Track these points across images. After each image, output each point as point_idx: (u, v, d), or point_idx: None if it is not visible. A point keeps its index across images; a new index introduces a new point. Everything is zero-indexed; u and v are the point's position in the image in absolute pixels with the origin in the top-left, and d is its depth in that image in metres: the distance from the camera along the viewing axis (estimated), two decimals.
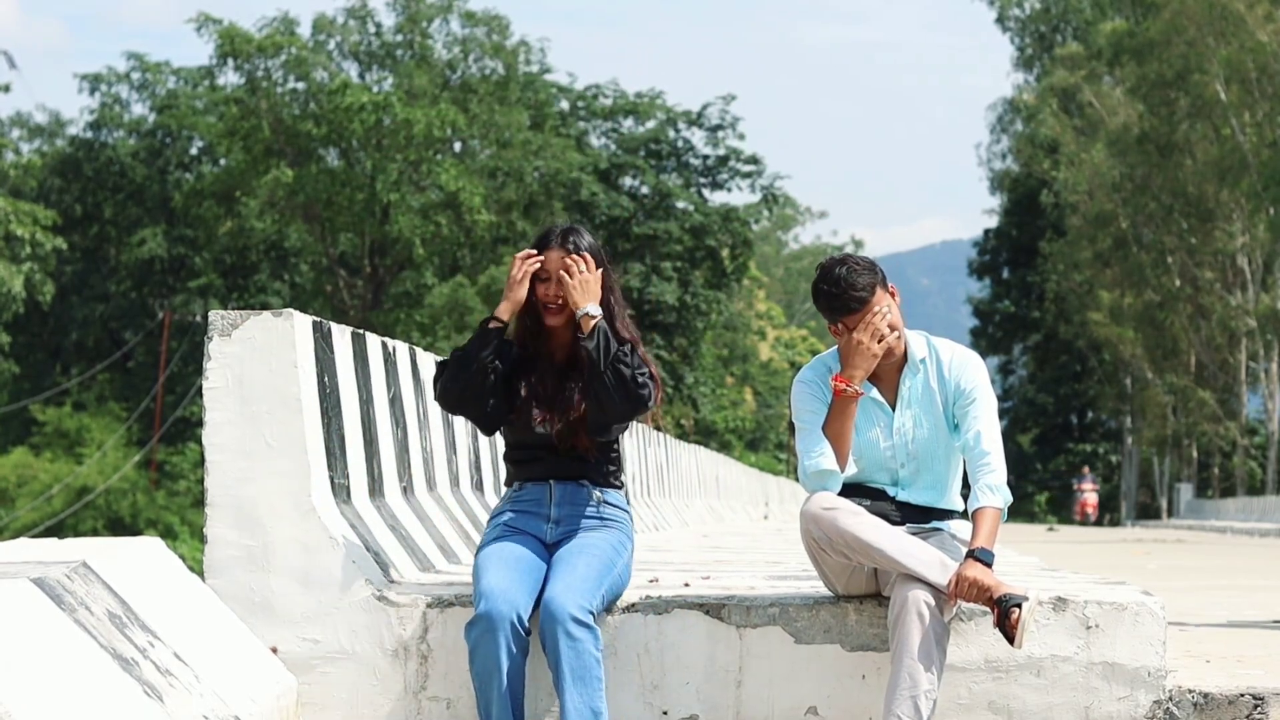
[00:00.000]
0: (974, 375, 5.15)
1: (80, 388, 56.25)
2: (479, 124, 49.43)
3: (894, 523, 5.09)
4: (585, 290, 5.10)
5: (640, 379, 5.03)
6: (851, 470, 5.13)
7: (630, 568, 5.25)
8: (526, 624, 4.91)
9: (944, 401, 5.15)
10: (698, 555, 8.45)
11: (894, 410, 5.14)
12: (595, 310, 5.08)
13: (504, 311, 5.12)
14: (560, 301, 5.12)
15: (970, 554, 4.86)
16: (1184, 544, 25.00)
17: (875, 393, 5.16)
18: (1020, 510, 64.57)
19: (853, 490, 5.14)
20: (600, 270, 5.13)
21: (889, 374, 5.15)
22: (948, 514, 5.23)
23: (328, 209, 48.50)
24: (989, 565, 4.86)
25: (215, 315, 5.42)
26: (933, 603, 4.81)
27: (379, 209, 48.41)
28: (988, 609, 4.88)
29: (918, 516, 5.16)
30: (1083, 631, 5.09)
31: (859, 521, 4.93)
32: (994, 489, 4.99)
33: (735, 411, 60.51)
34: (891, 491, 5.17)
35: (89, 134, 60.39)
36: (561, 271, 5.11)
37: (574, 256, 5.11)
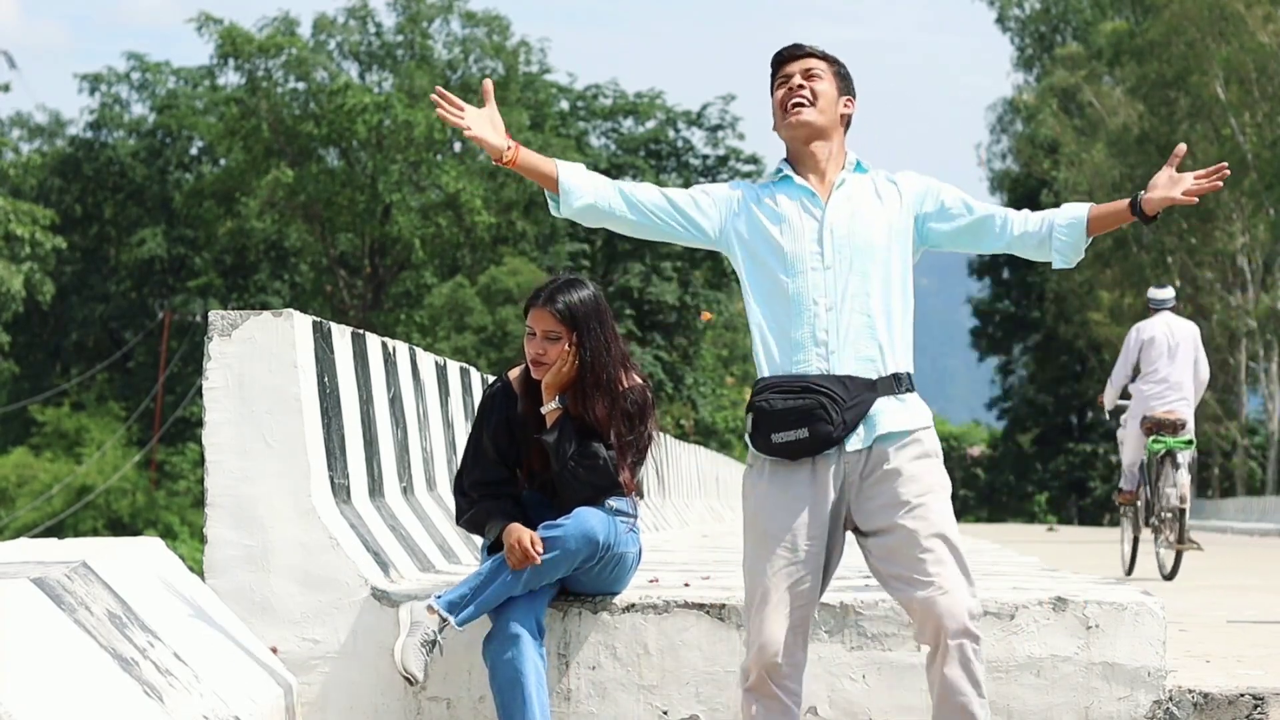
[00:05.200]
0: (923, 177, 4.44)
1: (80, 388, 56.23)
2: None
3: (834, 439, 4.15)
4: (553, 379, 5.09)
5: (602, 469, 5.03)
6: (774, 361, 4.24)
7: (634, 568, 5.30)
8: (544, 628, 5.02)
9: (893, 204, 4.33)
10: (698, 555, 8.45)
11: (825, 203, 4.31)
12: (555, 405, 5.08)
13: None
14: (543, 360, 5.10)
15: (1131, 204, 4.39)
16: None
17: (800, 180, 4.35)
18: (1020, 510, 64.56)
19: (777, 389, 4.20)
20: (577, 337, 5.06)
21: (816, 164, 4.36)
22: (896, 383, 4.24)
23: (328, 209, 48.52)
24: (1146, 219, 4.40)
25: (215, 315, 5.42)
26: (975, 644, 4.16)
27: (380, 209, 48.44)
28: None
29: (858, 397, 4.17)
30: (1083, 631, 5.09)
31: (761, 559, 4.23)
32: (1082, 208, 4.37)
33: (735, 411, 60.46)
34: (819, 366, 4.20)
35: (89, 134, 60.37)
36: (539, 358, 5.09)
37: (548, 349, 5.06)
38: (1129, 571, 12.36)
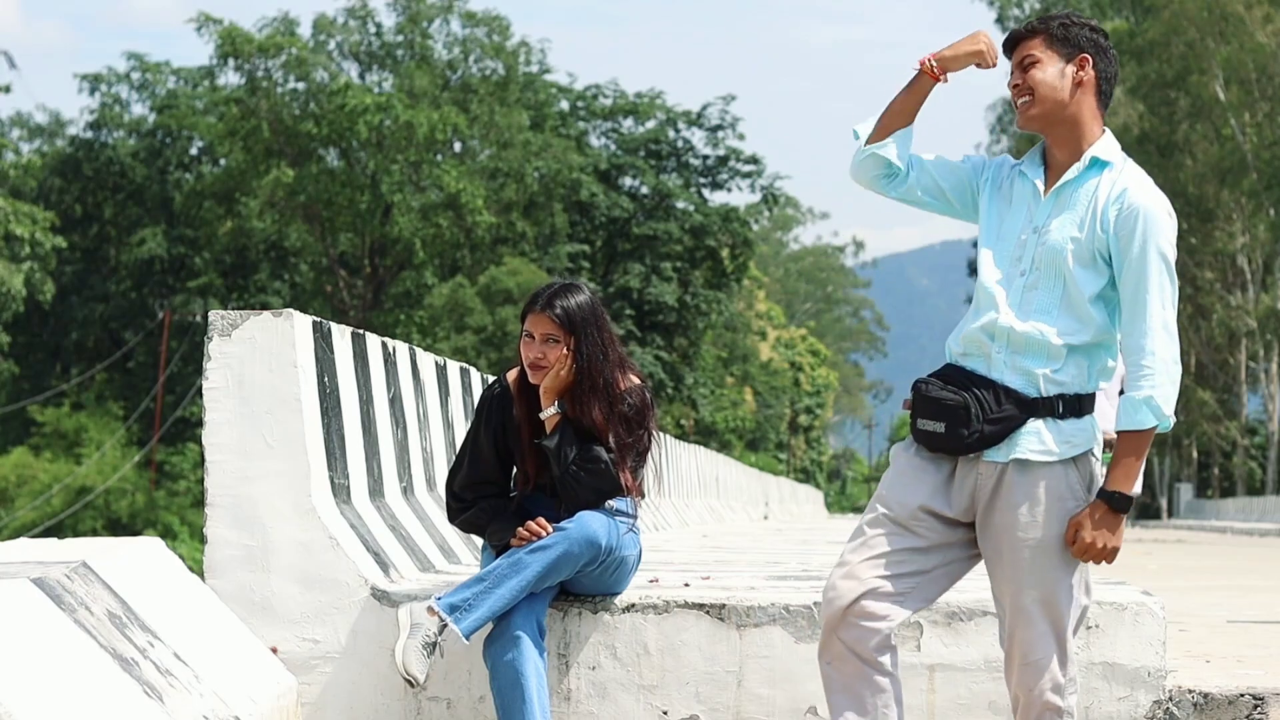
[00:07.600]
0: (1147, 226, 3.92)
1: (80, 388, 56.25)
2: (479, 124, 49.46)
3: (966, 445, 3.95)
4: (552, 384, 5.08)
5: (604, 473, 5.03)
6: (955, 348, 4.05)
7: (634, 569, 5.31)
8: (545, 629, 5.02)
9: (1093, 229, 3.97)
10: (698, 555, 8.45)
11: (1042, 202, 4.04)
12: (554, 410, 5.08)
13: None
14: (542, 364, 5.10)
15: (1101, 493, 3.95)
16: (1184, 544, 25.01)
17: (1034, 172, 4.08)
18: None
19: (943, 375, 4.03)
20: (574, 341, 5.06)
21: (1051, 156, 4.07)
22: (1058, 405, 3.97)
23: (328, 209, 48.54)
24: (1120, 513, 3.93)
25: (215, 315, 5.42)
26: (1055, 717, 4.02)
27: (380, 209, 48.47)
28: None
29: (1008, 411, 3.94)
30: (1083, 631, 5.08)
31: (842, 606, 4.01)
32: (1141, 404, 3.90)
33: (735, 412, 60.50)
34: (984, 367, 3.99)
35: (89, 134, 60.40)
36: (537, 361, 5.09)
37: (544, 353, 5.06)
38: None
